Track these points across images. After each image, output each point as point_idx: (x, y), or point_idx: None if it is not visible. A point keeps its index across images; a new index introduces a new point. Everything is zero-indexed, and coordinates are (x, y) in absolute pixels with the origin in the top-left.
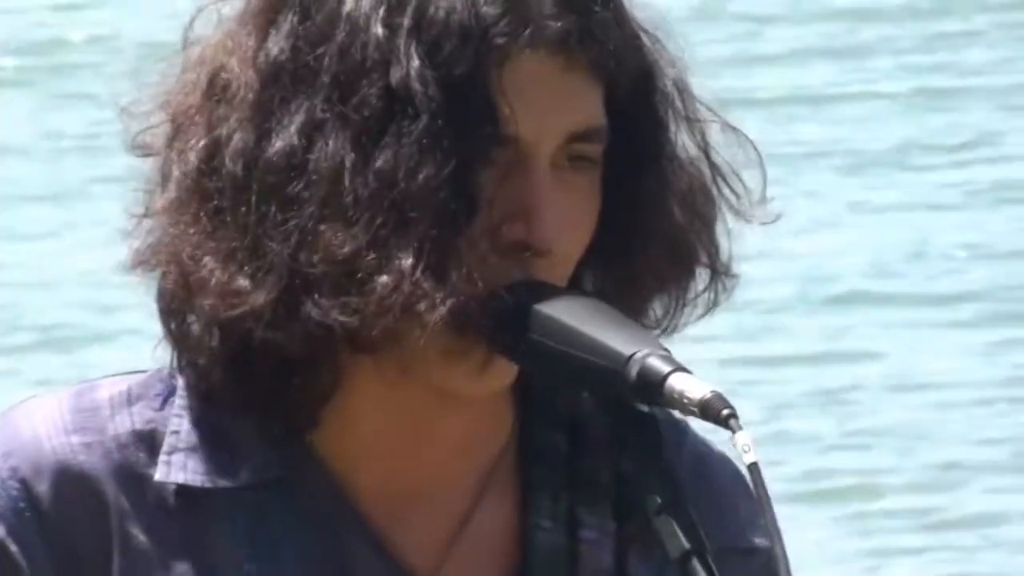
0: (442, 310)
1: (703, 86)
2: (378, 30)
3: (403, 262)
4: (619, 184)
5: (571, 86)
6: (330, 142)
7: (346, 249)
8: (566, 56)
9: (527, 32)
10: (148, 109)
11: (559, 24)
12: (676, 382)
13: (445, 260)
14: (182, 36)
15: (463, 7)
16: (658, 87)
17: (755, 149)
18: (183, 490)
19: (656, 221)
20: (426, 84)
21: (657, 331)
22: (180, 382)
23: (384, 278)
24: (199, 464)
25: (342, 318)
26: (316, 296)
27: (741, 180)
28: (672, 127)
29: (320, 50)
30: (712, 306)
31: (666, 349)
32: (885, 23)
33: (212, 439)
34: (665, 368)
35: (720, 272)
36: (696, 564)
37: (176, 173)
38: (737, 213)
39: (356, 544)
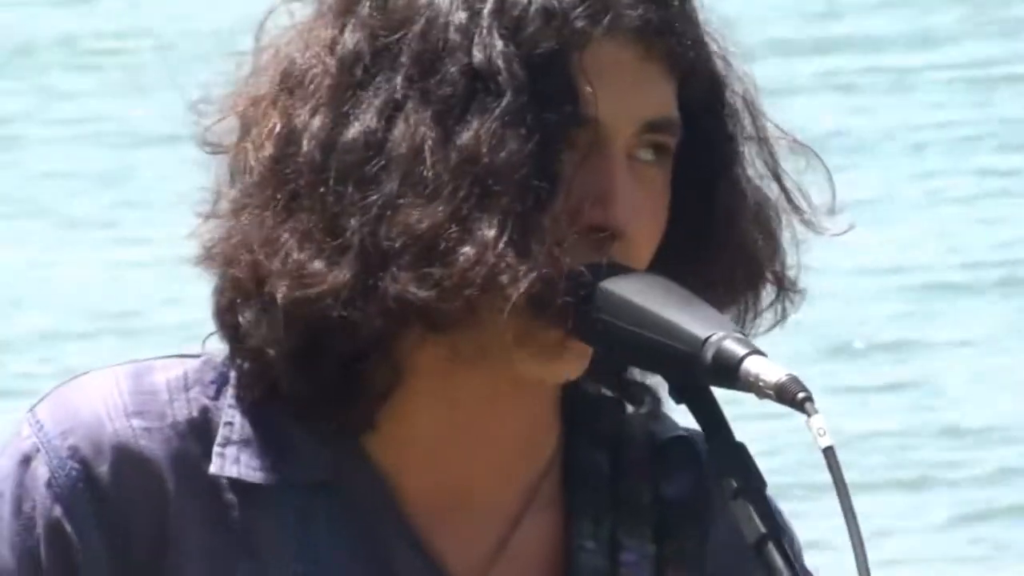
0: (525, 283)
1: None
2: (460, 13)
3: (486, 234)
4: (691, 189)
5: (648, 75)
6: (411, 120)
7: (426, 224)
8: (645, 45)
9: (607, 18)
10: (219, 107)
11: (639, 12)
12: (752, 365)
13: (528, 235)
14: (253, 37)
15: None
16: (727, 100)
17: (824, 166)
18: (236, 484)
19: (728, 231)
20: (509, 62)
21: None
22: (232, 374)
23: (467, 249)
24: (251, 459)
25: (422, 292)
26: (395, 271)
27: (810, 201)
28: (741, 141)
29: (400, 34)
30: (779, 320)
31: (743, 332)
32: None
33: (264, 434)
34: (741, 351)
35: (787, 288)
36: (772, 548)
37: (250, 163)
38: (808, 225)
39: (401, 548)
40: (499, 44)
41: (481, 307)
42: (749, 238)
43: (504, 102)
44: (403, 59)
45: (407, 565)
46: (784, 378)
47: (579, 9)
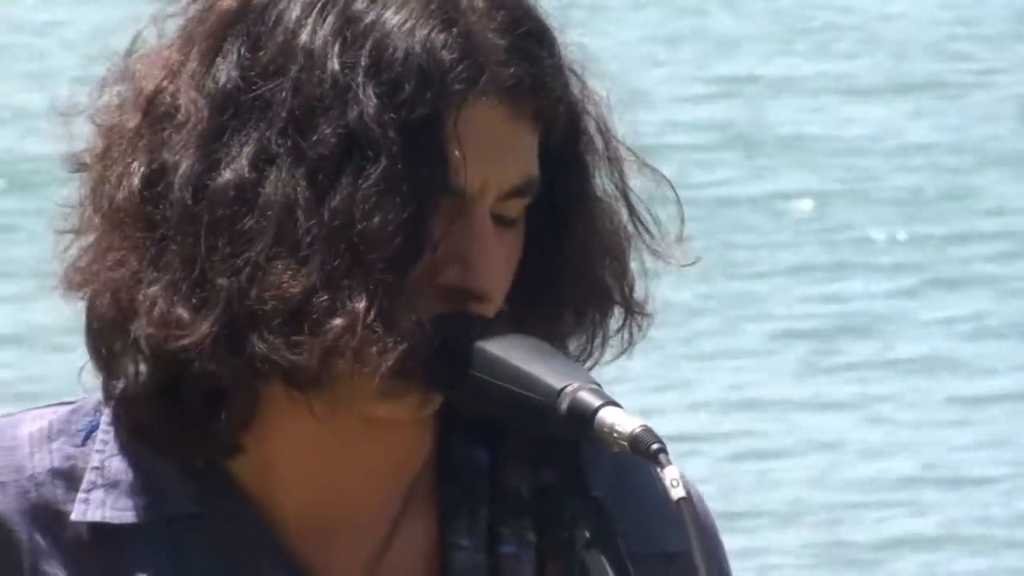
0: (393, 356)
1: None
2: (335, 66)
3: (356, 304)
4: (543, 223)
5: (516, 134)
6: (284, 175)
7: (297, 288)
8: (515, 103)
9: (483, 79)
10: (85, 117)
11: (511, 71)
12: (606, 416)
13: (397, 305)
14: (126, 47)
15: (421, 49)
16: (585, 129)
17: (672, 188)
18: (101, 527)
19: (579, 263)
20: (385, 127)
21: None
22: (105, 415)
23: (338, 320)
24: (119, 500)
25: (293, 357)
26: (263, 332)
27: (657, 221)
28: (594, 168)
29: (274, 82)
30: (628, 345)
31: (597, 383)
32: None
33: (134, 473)
34: (596, 402)
35: (635, 311)
36: None
37: (117, 196)
38: (655, 254)
39: (276, 570)
40: (374, 106)
41: (342, 369)
42: (600, 266)
43: (378, 168)
44: (277, 109)
45: None
46: (638, 429)
47: (456, 70)
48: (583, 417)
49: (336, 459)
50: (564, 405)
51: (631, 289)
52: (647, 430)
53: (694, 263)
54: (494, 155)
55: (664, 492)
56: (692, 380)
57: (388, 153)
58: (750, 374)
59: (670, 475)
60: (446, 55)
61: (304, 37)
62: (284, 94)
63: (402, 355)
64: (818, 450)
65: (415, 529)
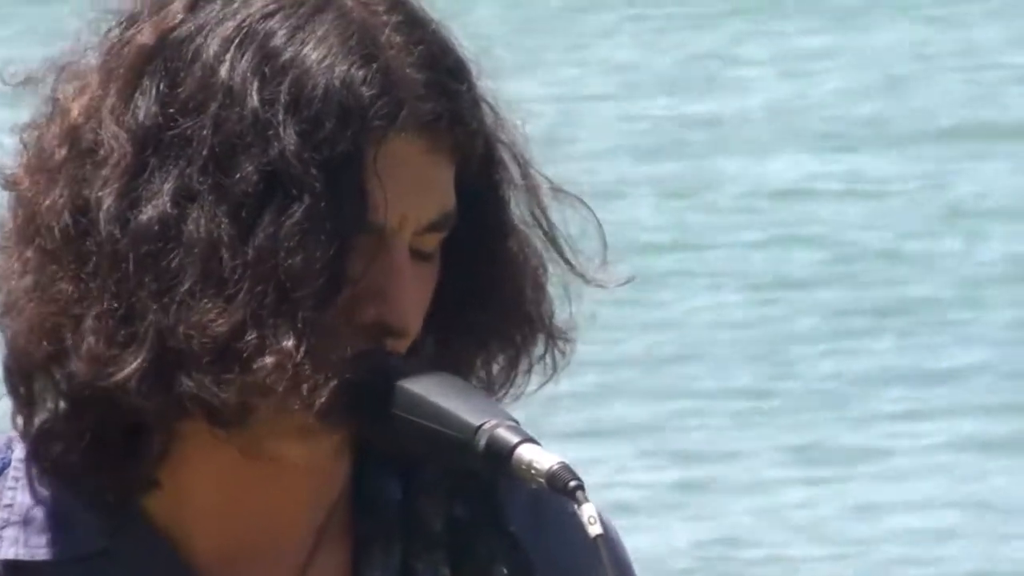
0: (325, 392)
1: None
2: (254, 103)
3: (285, 343)
4: (462, 254)
5: (434, 168)
6: (206, 213)
7: (224, 327)
8: (433, 138)
9: (402, 115)
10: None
11: (430, 106)
12: (524, 453)
13: (325, 342)
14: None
15: (341, 86)
16: (499, 159)
17: (592, 212)
18: (15, 565)
19: (498, 291)
20: (306, 165)
21: (500, 396)
22: (17, 451)
23: (268, 359)
24: (32, 537)
25: (223, 395)
26: (192, 370)
27: (573, 246)
28: (510, 197)
29: (194, 119)
30: (552, 372)
31: (515, 420)
32: None
33: (47, 510)
34: (513, 439)
35: (557, 337)
36: None
37: (44, 231)
38: (583, 278)
39: None
40: (295, 144)
41: (261, 407)
42: (520, 293)
43: (301, 207)
44: (198, 146)
45: None
46: (556, 466)
47: (376, 106)
48: (501, 454)
49: (251, 493)
50: (482, 442)
51: (551, 316)
52: (565, 467)
53: (626, 283)
54: (413, 190)
55: (581, 528)
56: None
57: (310, 191)
58: None
59: (587, 512)
60: (365, 91)
61: (223, 73)
62: (205, 131)
63: (331, 393)
64: None
65: (330, 562)
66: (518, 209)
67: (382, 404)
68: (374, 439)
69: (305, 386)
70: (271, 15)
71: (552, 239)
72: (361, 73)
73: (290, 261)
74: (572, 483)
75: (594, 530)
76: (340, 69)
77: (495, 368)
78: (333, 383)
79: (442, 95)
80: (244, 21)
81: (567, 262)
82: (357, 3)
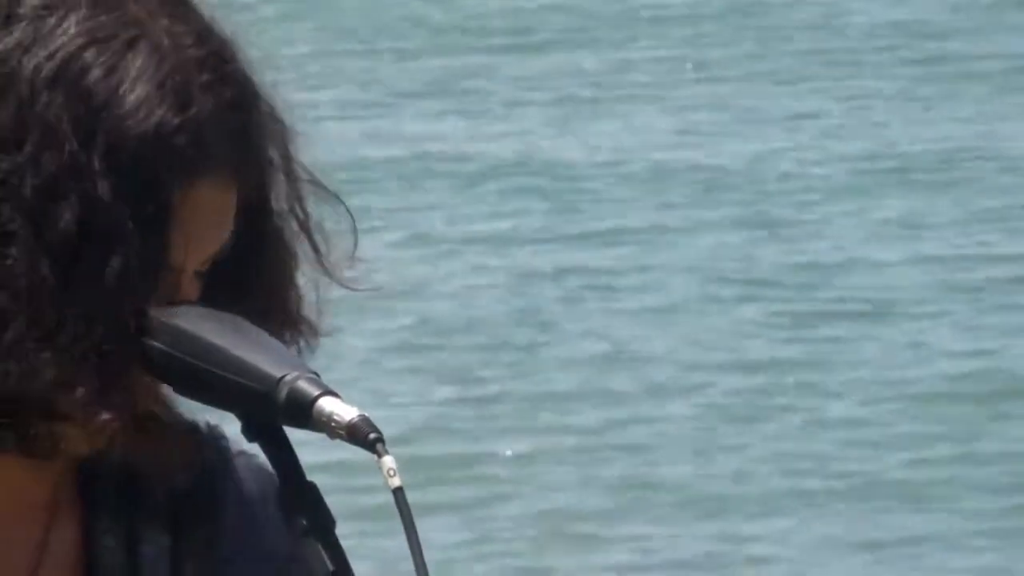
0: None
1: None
2: (73, 146)
3: (92, 385)
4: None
5: (228, 203)
6: (27, 258)
7: (51, 373)
8: (232, 179)
9: (211, 162)
10: None
11: (234, 150)
12: (325, 405)
13: (118, 380)
14: None
15: (154, 136)
16: (267, 156)
17: (348, 212)
18: None
19: (258, 281)
20: (121, 215)
21: None
22: None
23: (82, 398)
24: None
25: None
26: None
27: (327, 239)
28: (272, 187)
29: (11, 157)
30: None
31: (315, 372)
32: None
33: None
34: (314, 391)
35: (301, 324)
36: None
37: None
38: (325, 272)
39: None
40: (108, 195)
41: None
42: (277, 284)
43: (117, 258)
44: (16, 184)
45: None
46: (356, 418)
47: (187, 157)
48: (302, 405)
49: None
50: (283, 394)
51: (300, 304)
52: (365, 419)
53: (376, 289)
54: (210, 229)
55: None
56: None
57: (123, 242)
58: None
59: (386, 464)
60: (178, 140)
61: (39, 109)
62: (24, 172)
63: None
64: None
65: (68, 530)
66: (279, 198)
67: (183, 358)
68: (178, 392)
69: (104, 418)
70: (86, 47)
71: (307, 232)
72: (176, 121)
73: (105, 308)
74: (372, 435)
75: (394, 482)
76: (155, 117)
77: None
78: (129, 414)
79: (244, 137)
80: (58, 51)
81: (317, 253)
82: (166, 34)
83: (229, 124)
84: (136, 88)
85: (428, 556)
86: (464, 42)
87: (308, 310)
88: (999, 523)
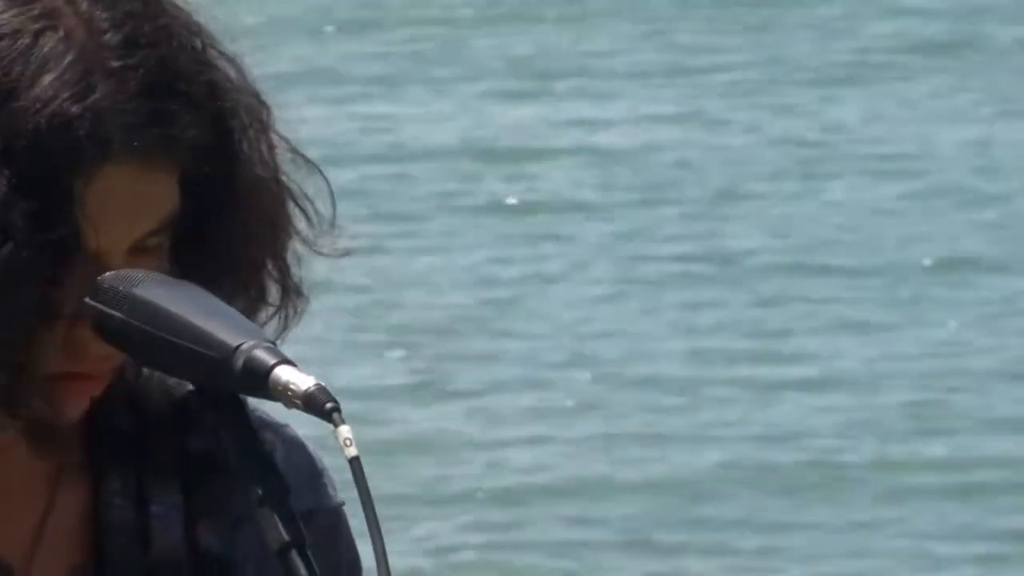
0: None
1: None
2: None
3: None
4: (198, 208)
5: (149, 186)
6: None
7: None
8: (146, 161)
9: (112, 148)
10: None
11: (142, 135)
12: (282, 374)
13: (26, 381)
14: None
15: (50, 127)
16: (234, 126)
17: (325, 179)
18: None
19: (231, 252)
20: (12, 211)
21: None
22: None
23: None
24: None
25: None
26: None
27: (313, 205)
28: (247, 154)
29: None
30: (285, 325)
31: (272, 342)
32: None
33: None
34: (271, 360)
35: (292, 291)
36: (295, 556)
37: None
38: (306, 243)
39: None
40: (3, 192)
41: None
42: (254, 253)
43: (6, 253)
44: None
45: None
46: (313, 388)
47: (85, 146)
48: (258, 374)
49: None
50: (239, 362)
51: (288, 271)
52: (321, 388)
53: (346, 254)
54: (124, 213)
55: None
56: None
57: (13, 237)
58: None
59: (343, 434)
60: (76, 130)
61: None
62: None
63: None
64: None
65: (74, 493)
66: (256, 164)
67: (128, 315)
68: (136, 362)
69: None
70: (2, 37)
71: (290, 193)
72: (74, 110)
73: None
74: (328, 404)
75: (350, 452)
76: (53, 107)
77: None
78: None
79: (156, 122)
80: None
81: (307, 224)
82: (82, 21)
83: (135, 110)
84: (37, 81)
85: (385, 525)
86: None
87: (294, 278)
88: None
